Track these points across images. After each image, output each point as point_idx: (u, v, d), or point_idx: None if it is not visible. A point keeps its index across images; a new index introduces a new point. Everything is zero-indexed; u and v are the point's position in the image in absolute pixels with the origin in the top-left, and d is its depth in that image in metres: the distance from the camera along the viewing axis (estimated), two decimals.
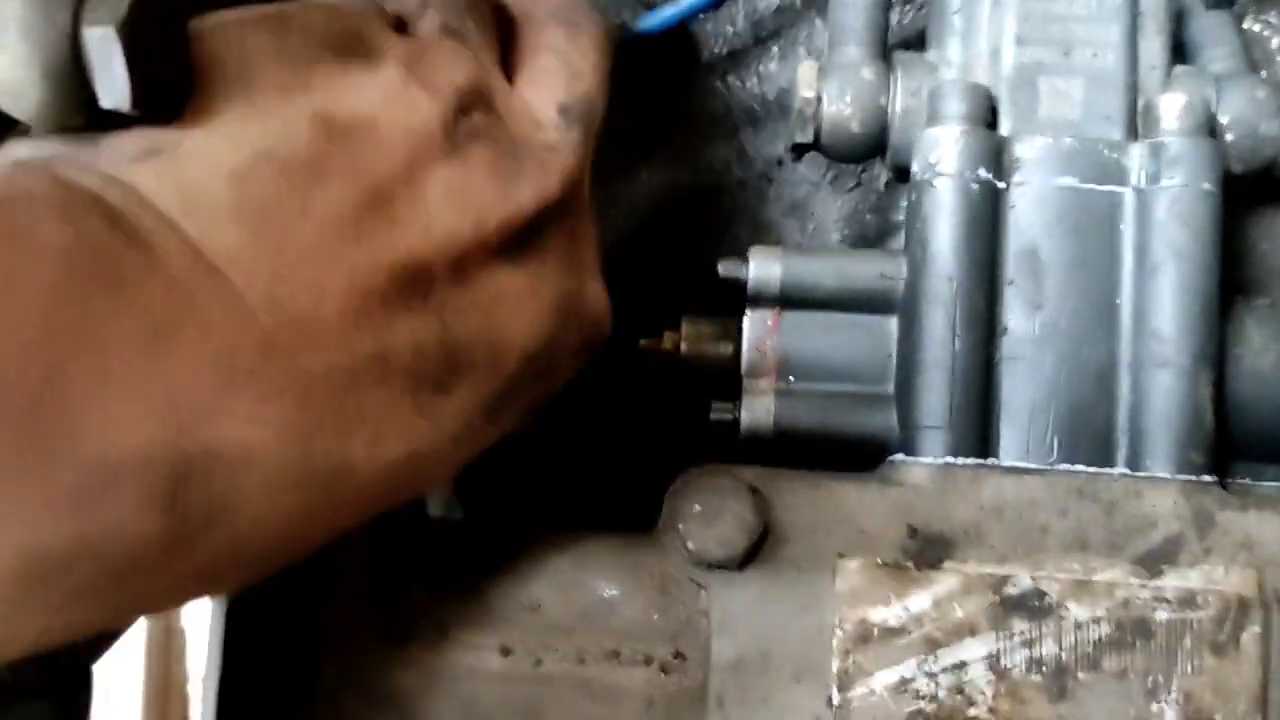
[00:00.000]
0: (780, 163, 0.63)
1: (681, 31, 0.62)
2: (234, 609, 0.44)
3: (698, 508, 0.46)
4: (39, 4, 0.30)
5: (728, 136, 0.63)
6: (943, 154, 0.49)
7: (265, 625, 0.45)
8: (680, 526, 0.46)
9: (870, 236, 0.62)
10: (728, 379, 0.52)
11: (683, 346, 0.53)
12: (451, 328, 0.36)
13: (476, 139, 0.38)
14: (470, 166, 0.37)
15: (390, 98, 0.36)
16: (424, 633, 0.46)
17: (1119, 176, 0.49)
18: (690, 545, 0.46)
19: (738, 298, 0.52)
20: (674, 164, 0.63)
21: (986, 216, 0.49)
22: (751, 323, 0.52)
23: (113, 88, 0.31)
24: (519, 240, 0.38)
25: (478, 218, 0.37)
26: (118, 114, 0.32)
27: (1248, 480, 0.51)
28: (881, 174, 0.62)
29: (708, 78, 0.64)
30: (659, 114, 0.63)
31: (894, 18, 0.63)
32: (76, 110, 0.31)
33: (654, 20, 0.58)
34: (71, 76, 0.30)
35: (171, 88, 0.33)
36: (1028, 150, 0.49)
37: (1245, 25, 0.61)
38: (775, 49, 0.64)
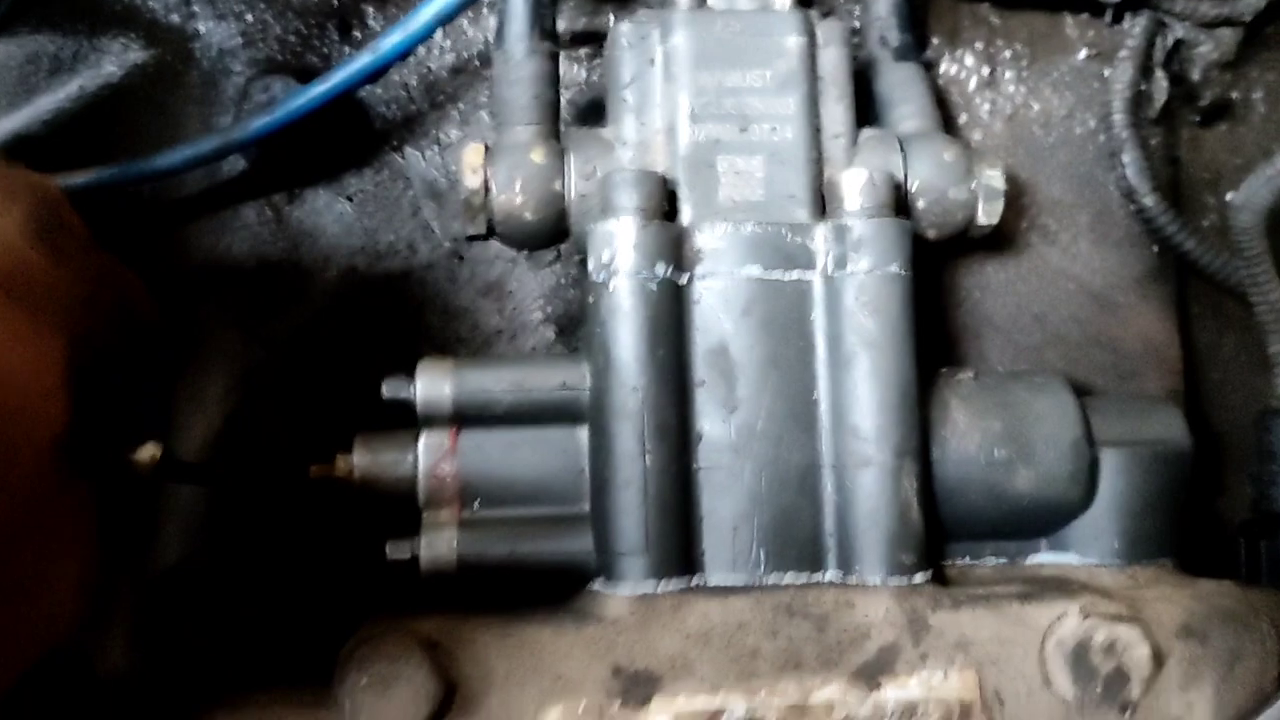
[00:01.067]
0: (471, 238, 0.57)
1: (347, 102, 0.55)
2: None
3: (367, 680, 0.40)
4: None
5: (409, 214, 0.57)
6: (618, 251, 0.44)
7: None
8: (350, 702, 0.40)
9: (575, 314, 0.57)
10: (410, 506, 0.47)
11: (356, 473, 0.47)
12: None
13: None
14: None
15: None
16: None
17: (805, 261, 0.46)
18: None
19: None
20: (350, 250, 0.57)
21: (670, 316, 0.45)
22: (426, 446, 0.46)
23: None
24: None
25: None
26: None
27: (967, 560, 0.49)
28: None
29: (381, 150, 0.57)
30: (330, 194, 0.57)
31: (580, 73, 0.58)
32: None
33: (312, 94, 0.52)
34: None
35: None
36: (709, 239, 0.45)
37: (942, 68, 0.59)
38: (455, 113, 0.58)
